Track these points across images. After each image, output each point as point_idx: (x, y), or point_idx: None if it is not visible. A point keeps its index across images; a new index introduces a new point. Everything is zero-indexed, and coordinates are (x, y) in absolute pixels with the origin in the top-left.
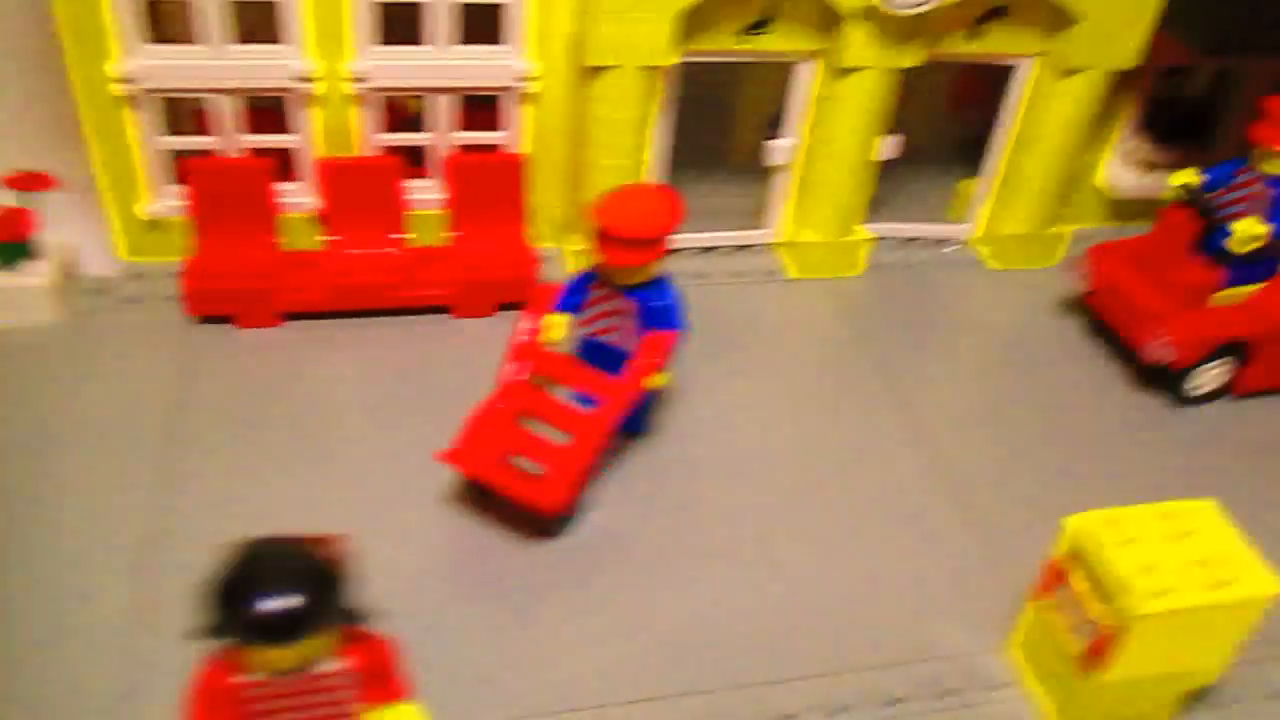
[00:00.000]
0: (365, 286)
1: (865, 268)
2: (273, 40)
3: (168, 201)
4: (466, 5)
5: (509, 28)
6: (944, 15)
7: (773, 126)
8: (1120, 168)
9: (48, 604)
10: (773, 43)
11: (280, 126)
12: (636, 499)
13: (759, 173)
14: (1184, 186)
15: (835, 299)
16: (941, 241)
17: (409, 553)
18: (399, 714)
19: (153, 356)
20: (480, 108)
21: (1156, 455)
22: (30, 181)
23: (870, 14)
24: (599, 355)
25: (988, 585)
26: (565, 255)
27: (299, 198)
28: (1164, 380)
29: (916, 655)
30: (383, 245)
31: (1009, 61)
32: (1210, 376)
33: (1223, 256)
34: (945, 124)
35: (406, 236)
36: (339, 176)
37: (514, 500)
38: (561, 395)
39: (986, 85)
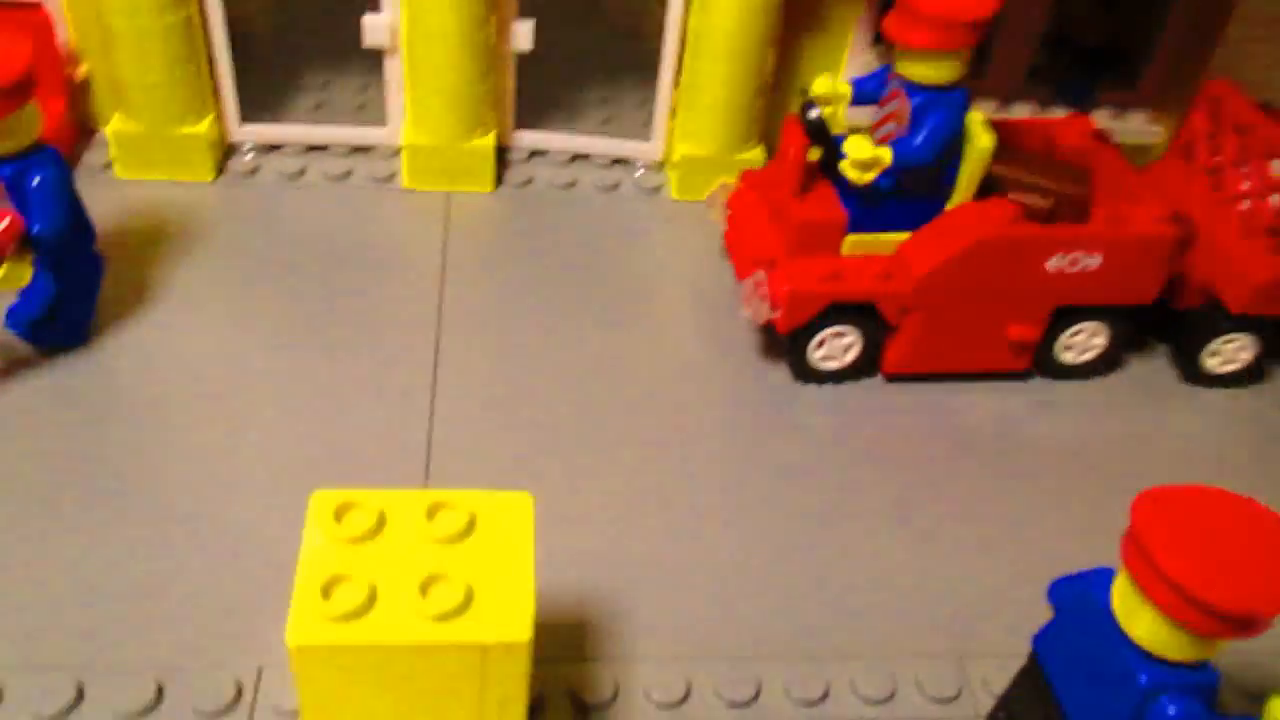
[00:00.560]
0: None
1: (503, 184)
2: None
3: None
4: None
5: None
6: None
7: None
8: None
9: None
10: None
11: None
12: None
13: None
14: (809, 98)
15: (450, 218)
16: (623, 162)
17: None
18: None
19: None
20: None
21: (756, 441)
22: None
23: None
24: None
25: None
26: None
27: None
28: (795, 349)
29: None
30: None
31: None
32: (836, 347)
33: (856, 191)
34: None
35: None
36: None
37: None
38: None
39: None
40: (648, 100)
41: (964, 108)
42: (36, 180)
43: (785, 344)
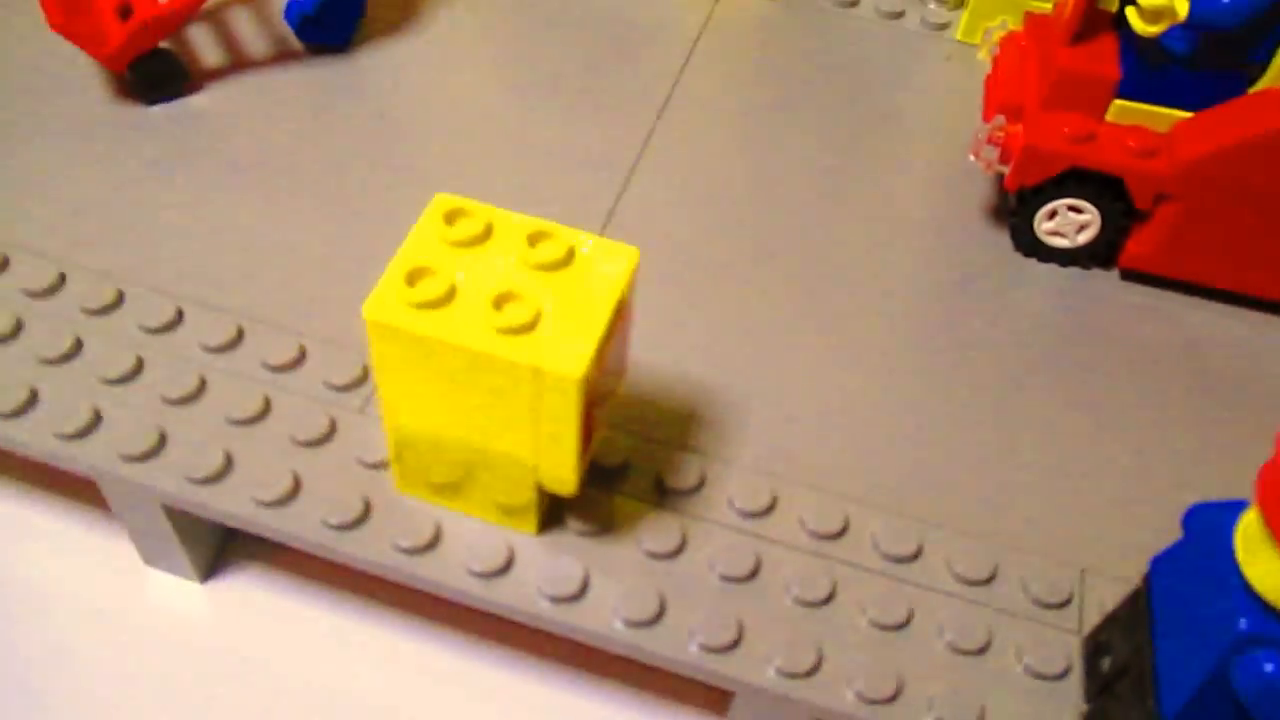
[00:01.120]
0: None
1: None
2: None
3: None
4: None
5: None
6: None
7: None
8: None
9: None
10: None
11: None
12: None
13: None
14: None
15: (714, 13)
16: None
17: None
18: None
19: None
20: None
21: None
22: None
23: None
24: None
25: None
26: None
27: None
28: (1022, 214)
29: None
30: None
31: None
32: (1069, 223)
33: (1142, 48)
34: None
35: None
36: None
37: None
38: None
39: None
40: None
41: None
42: None
43: (1012, 206)
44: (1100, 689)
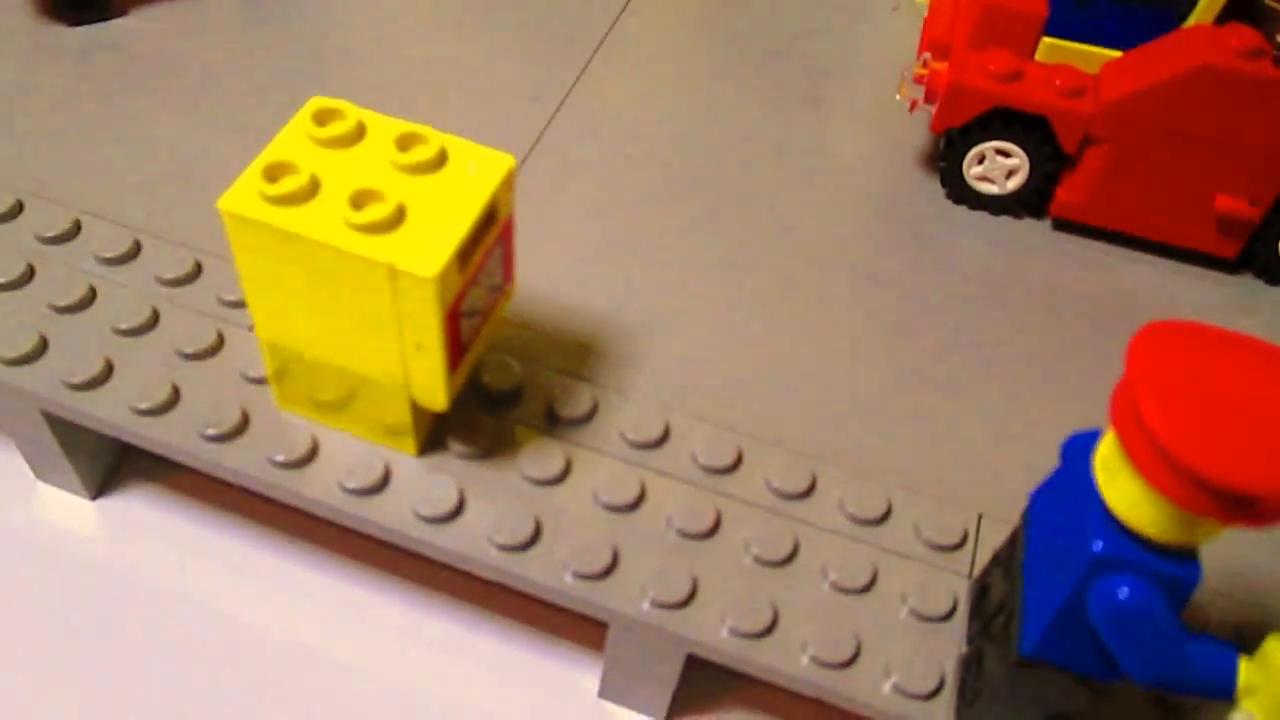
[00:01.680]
0: None
1: None
2: None
3: None
4: None
5: None
6: None
7: None
8: None
9: None
10: None
11: None
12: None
13: None
14: None
15: None
16: None
17: None
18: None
19: None
20: None
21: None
22: None
23: None
24: None
25: None
26: None
27: None
28: (950, 159)
29: None
30: None
31: None
32: (998, 168)
33: None
34: None
35: None
36: None
37: None
38: None
39: None
40: None
41: None
42: None
43: (941, 150)
44: (981, 630)
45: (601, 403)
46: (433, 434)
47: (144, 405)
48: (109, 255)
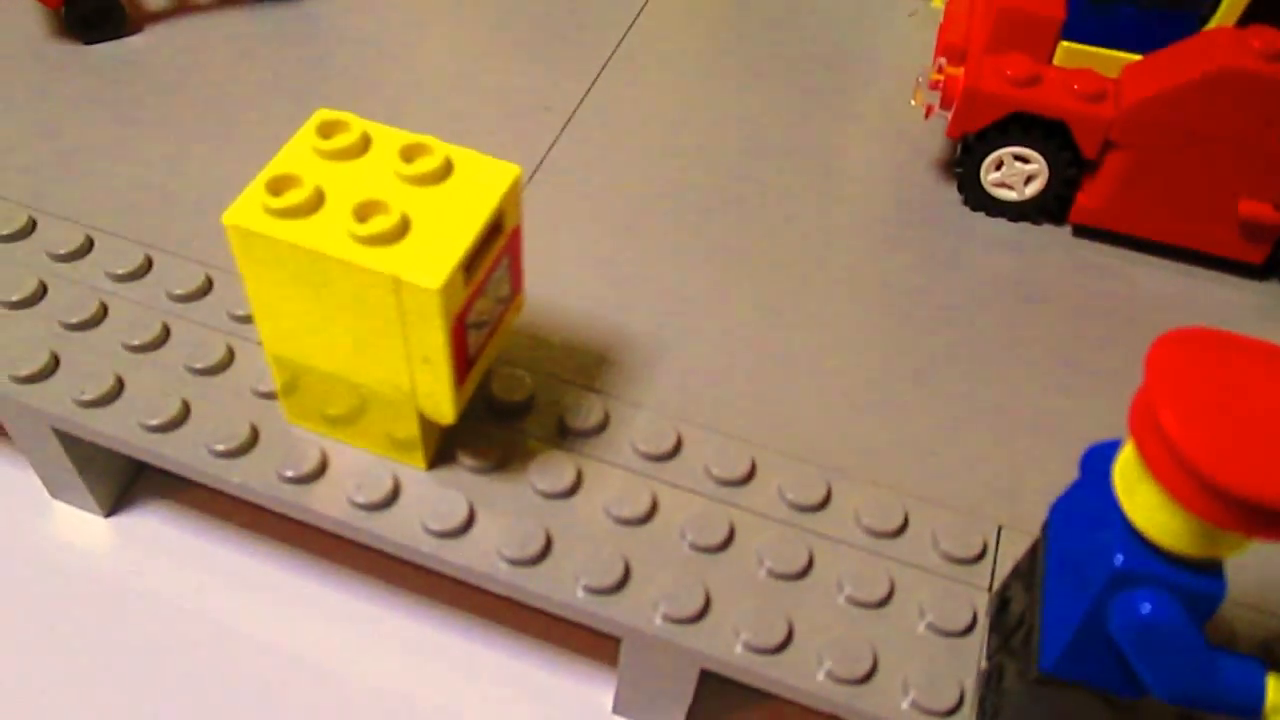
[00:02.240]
0: None
1: None
2: None
3: None
4: None
5: None
6: None
7: None
8: None
9: None
10: None
11: None
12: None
13: None
14: None
15: None
16: None
17: None
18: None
19: None
20: None
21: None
22: None
23: None
24: None
25: None
26: None
27: None
28: (967, 165)
29: None
30: None
31: None
32: (1016, 174)
33: None
34: None
35: None
36: None
37: None
38: None
39: None
40: None
41: None
42: None
43: (958, 156)
44: (1001, 645)
45: (613, 414)
46: (442, 447)
47: (154, 421)
48: (120, 271)
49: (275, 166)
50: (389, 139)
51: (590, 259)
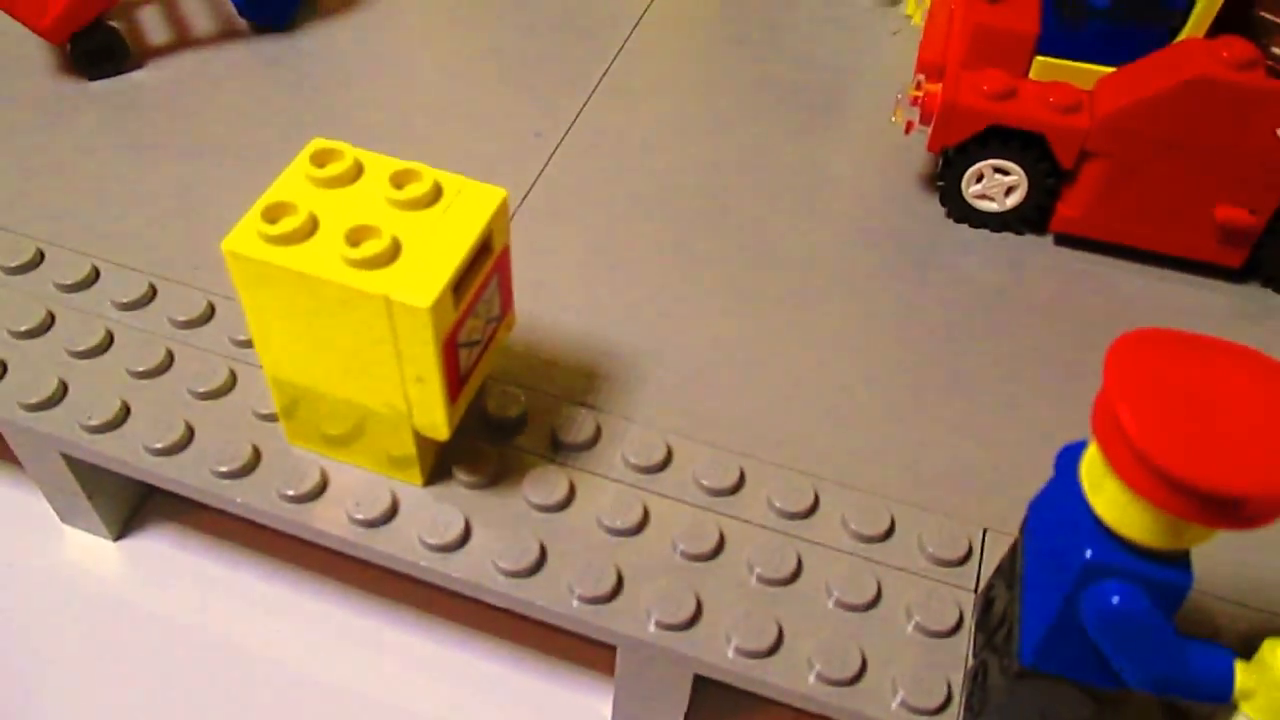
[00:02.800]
0: None
1: None
2: None
3: None
4: None
5: None
6: None
7: None
8: None
9: None
10: None
11: None
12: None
13: None
14: None
15: None
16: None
17: None
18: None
19: None
20: None
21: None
22: None
23: None
24: None
25: None
26: None
27: None
28: (948, 178)
29: None
30: None
31: None
32: (996, 185)
33: (1061, 2)
34: None
35: None
36: None
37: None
38: None
39: None
40: None
41: None
42: None
43: (939, 169)
44: (985, 643)
45: (604, 428)
46: (439, 464)
47: (159, 445)
48: (125, 300)
49: (271, 195)
50: (380, 166)
51: (581, 277)
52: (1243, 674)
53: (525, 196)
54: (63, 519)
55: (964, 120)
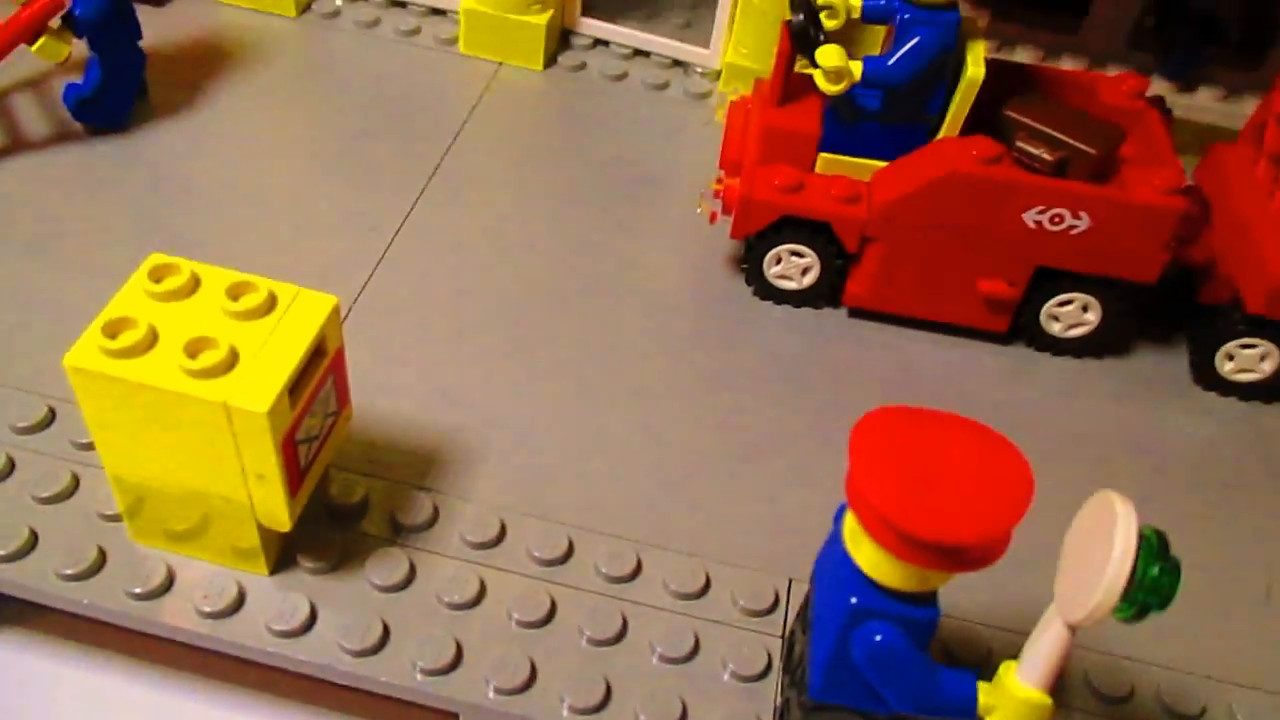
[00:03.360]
0: None
1: (556, 65)
2: None
3: None
4: None
5: None
6: None
7: None
8: None
9: None
10: None
11: None
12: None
13: None
14: (803, 4)
15: (491, 87)
16: (682, 65)
17: None
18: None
19: None
20: None
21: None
22: None
23: None
24: None
25: None
26: None
27: None
28: (751, 261)
29: None
30: None
31: None
32: (793, 266)
33: (836, 106)
34: None
35: None
36: None
37: None
38: None
39: None
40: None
41: (953, 31)
42: None
43: (743, 254)
44: (790, 681)
45: (442, 509)
46: (284, 552)
47: (2, 552)
48: None
49: (111, 310)
50: (216, 278)
51: (416, 366)
52: (984, 693)
53: (362, 289)
54: None
55: (760, 212)
